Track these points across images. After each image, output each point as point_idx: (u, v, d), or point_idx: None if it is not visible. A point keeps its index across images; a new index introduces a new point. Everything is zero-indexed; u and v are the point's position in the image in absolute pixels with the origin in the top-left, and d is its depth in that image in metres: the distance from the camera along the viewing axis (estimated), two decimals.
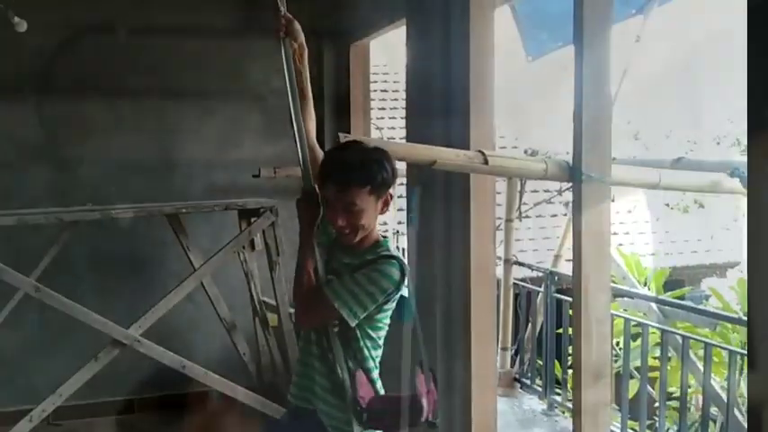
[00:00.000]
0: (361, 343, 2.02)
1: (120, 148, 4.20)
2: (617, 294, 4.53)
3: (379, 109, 5.89)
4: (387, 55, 4.89)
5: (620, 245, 6.63)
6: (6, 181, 4.03)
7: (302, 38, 2.14)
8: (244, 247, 3.81)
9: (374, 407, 1.95)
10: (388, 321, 2.08)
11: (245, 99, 4.41)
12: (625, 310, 4.38)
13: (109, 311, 3.52)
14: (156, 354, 3.49)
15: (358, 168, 1.95)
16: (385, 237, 2.13)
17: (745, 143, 1.37)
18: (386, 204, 2.02)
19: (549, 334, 4.12)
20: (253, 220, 3.75)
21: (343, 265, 2.05)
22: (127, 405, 4.28)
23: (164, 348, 3.51)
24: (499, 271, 4.02)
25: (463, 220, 2.89)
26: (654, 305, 4.31)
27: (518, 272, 4.49)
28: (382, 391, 2.08)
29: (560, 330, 4.08)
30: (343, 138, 1.95)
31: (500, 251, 4.22)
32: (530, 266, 4.30)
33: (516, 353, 4.52)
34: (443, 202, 3.00)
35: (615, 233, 6.84)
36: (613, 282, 4.60)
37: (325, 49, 4.52)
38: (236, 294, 4.08)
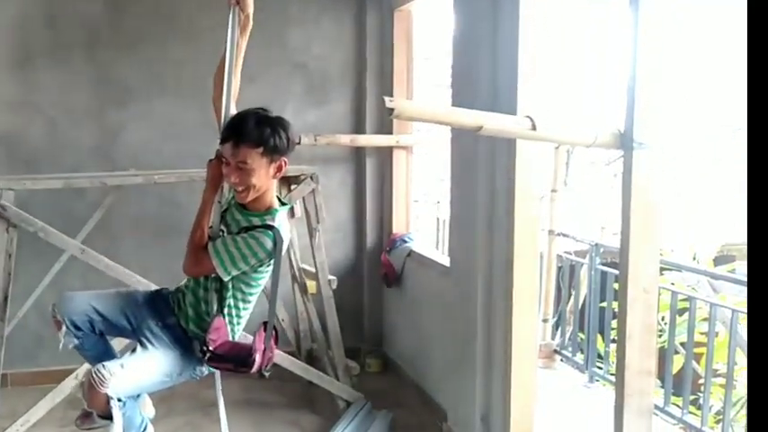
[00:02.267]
0: (230, 293, 2.27)
1: (163, 114, 4.22)
2: (665, 267, 4.42)
3: (424, 76, 5.81)
4: (431, 19, 4.79)
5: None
6: (54, 144, 4.09)
7: (250, 10, 2.32)
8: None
9: (218, 350, 2.22)
10: (262, 282, 2.33)
11: (287, 65, 4.37)
12: (672, 284, 4.26)
13: (150, 274, 3.57)
14: None
15: (252, 129, 2.15)
16: (284, 203, 2.34)
17: None
18: (279, 170, 2.21)
19: (592, 306, 4.04)
20: (293, 186, 3.74)
21: (234, 220, 2.26)
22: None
23: None
24: (543, 242, 3.95)
25: (507, 189, 2.82)
26: (703, 279, 4.18)
27: (562, 245, 4.40)
28: (235, 336, 2.35)
29: (604, 304, 3.99)
30: (388, 101, 1.93)
31: (545, 223, 4.14)
32: (574, 238, 4.20)
33: (557, 325, 4.45)
34: (488, 168, 2.94)
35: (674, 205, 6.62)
36: (660, 254, 4.49)
37: (369, 14, 4.45)
38: None
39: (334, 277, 3.88)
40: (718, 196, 7.55)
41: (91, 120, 4.13)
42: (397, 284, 4.38)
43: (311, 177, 3.66)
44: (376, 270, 4.56)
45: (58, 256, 3.72)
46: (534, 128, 2.07)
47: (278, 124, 2.20)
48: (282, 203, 2.33)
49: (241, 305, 2.32)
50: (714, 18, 7.52)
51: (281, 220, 2.25)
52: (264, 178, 2.19)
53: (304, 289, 3.98)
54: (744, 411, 3.43)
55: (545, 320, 4.23)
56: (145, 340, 2.31)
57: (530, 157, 2.80)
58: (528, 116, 2.09)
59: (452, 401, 3.43)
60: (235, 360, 2.25)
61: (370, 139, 4.44)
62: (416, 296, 4.24)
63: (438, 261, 3.91)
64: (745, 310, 3.31)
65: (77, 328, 2.40)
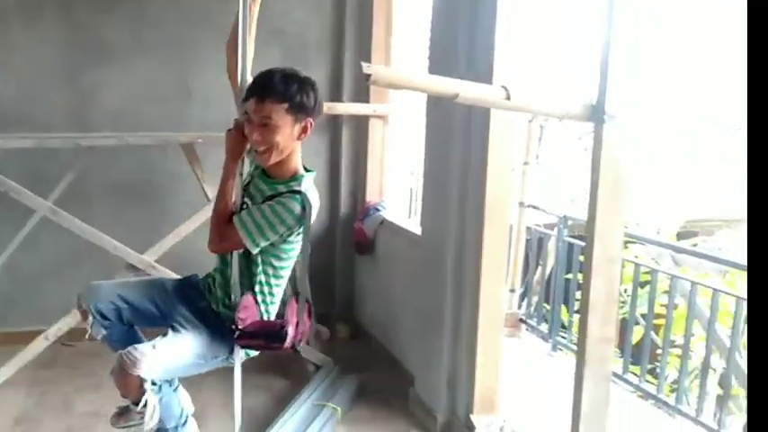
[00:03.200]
0: (261, 269, 2.18)
1: (139, 76, 4.16)
2: (629, 240, 4.54)
3: (402, 42, 5.78)
4: None
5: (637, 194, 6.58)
6: (26, 105, 4.02)
7: None
8: None
9: (248, 329, 2.13)
10: (293, 254, 2.21)
11: (263, 31, 4.31)
12: (636, 256, 4.39)
13: (123, 238, 3.57)
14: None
15: (278, 84, 2.05)
16: (309, 170, 2.23)
17: None
18: (304, 131, 2.11)
19: (557, 277, 4.16)
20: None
21: (258, 191, 2.17)
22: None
23: (177, 276, 3.56)
24: (513, 214, 4.03)
25: (481, 158, 2.88)
26: (666, 252, 4.31)
27: (532, 217, 4.50)
28: (269, 316, 2.25)
29: (569, 276, 4.11)
30: (365, 67, 1.95)
31: (516, 195, 4.22)
32: (544, 210, 4.30)
33: (523, 295, 4.57)
34: (462, 138, 2.99)
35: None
36: (625, 227, 4.61)
37: None
38: None
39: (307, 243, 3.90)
40: (684, 172, 7.74)
41: (65, 80, 4.06)
42: (369, 252, 4.44)
43: None
44: (348, 238, 4.60)
45: (30, 217, 3.69)
46: (509, 98, 2.11)
47: (305, 82, 2.10)
48: (309, 169, 2.23)
49: (273, 281, 2.22)
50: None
51: (308, 185, 2.15)
52: (288, 138, 2.08)
53: None
54: (697, 381, 3.58)
55: (512, 290, 4.34)
56: (176, 324, 2.22)
57: (503, 129, 2.86)
58: (503, 86, 2.14)
59: (420, 367, 3.52)
60: (266, 336, 2.15)
61: (347, 108, 4.45)
62: (388, 264, 4.30)
63: (410, 230, 3.97)
64: (704, 284, 3.45)
65: (104, 317, 2.31)
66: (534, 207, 4.29)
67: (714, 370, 4.71)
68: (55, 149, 3.66)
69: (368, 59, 4.31)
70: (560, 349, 4.10)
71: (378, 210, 4.39)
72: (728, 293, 3.28)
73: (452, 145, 3.03)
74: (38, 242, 4.02)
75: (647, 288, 3.72)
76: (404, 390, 3.58)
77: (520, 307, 4.47)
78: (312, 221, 2.12)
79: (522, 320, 4.40)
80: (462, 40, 2.88)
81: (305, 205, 2.07)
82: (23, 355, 3.40)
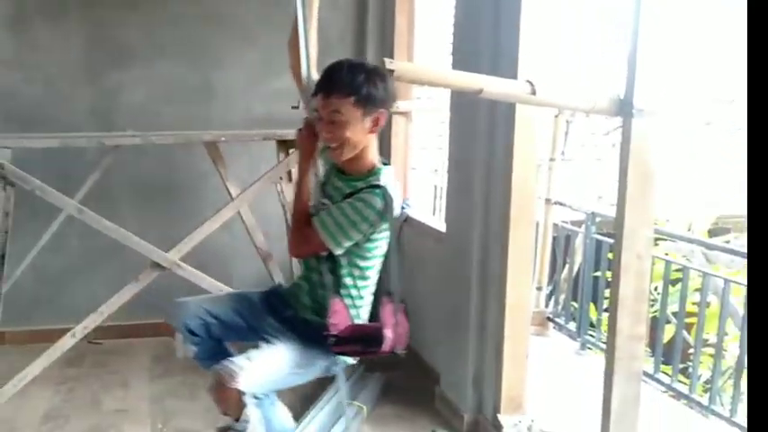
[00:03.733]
0: (346, 270, 2.10)
1: (161, 76, 4.18)
2: (660, 237, 4.44)
3: (424, 37, 5.75)
4: None
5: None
6: (51, 105, 4.06)
7: None
8: (281, 178, 3.81)
9: (342, 335, 2.04)
10: (378, 252, 2.12)
11: (287, 27, 4.30)
12: (666, 254, 4.30)
13: (148, 236, 3.59)
14: (194, 278, 3.56)
15: (344, 77, 1.98)
16: (386, 163, 2.15)
17: None
18: (376, 124, 2.03)
19: (585, 275, 4.08)
20: (291, 151, 3.73)
21: (336, 189, 2.11)
22: (165, 327, 4.36)
23: (202, 273, 3.57)
24: (539, 211, 3.97)
25: (505, 154, 2.83)
26: (697, 249, 4.22)
27: (559, 215, 4.43)
28: (360, 320, 2.17)
29: (598, 273, 4.03)
30: (388, 63, 1.92)
31: (542, 191, 4.16)
32: (570, 207, 4.22)
33: (551, 294, 4.50)
34: (487, 134, 2.94)
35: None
36: (656, 224, 4.52)
37: None
38: (272, 225, 4.10)
39: None
40: (716, 168, 7.59)
41: (89, 80, 4.10)
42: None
43: None
44: None
45: (56, 216, 3.72)
46: (534, 92, 2.07)
47: (373, 73, 2.00)
48: (386, 163, 2.15)
49: (360, 283, 2.14)
50: None
51: (387, 179, 2.07)
52: (360, 132, 2.01)
53: None
54: (731, 381, 3.48)
55: (539, 288, 4.27)
56: (267, 336, 2.16)
57: (529, 125, 2.81)
58: (528, 80, 2.09)
59: (446, 365, 3.48)
60: (363, 340, 2.07)
61: None
62: (412, 261, 4.25)
63: (434, 227, 3.92)
64: (737, 281, 3.36)
65: (193, 333, 2.24)
66: (561, 204, 4.22)
67: None
68: (80, 149, 3.68)
69: (390, 56, 4.27)
70: (589, 348, 4.03)
71: (402, 208, 4.35)
72: None
73: (477, 141, 2.98)
74: (64, 241, 4.06)
75: (679, 286, 3.63)
76: (429, 388, 3.54)
77: (547, 305, 4.40)
78: (395, 215, 2.04)
79: (549, 319, 4.33)
80: (486, 34, 2.83)
81: (386, 199, 1.99)
82: (51, 353, 3.42)
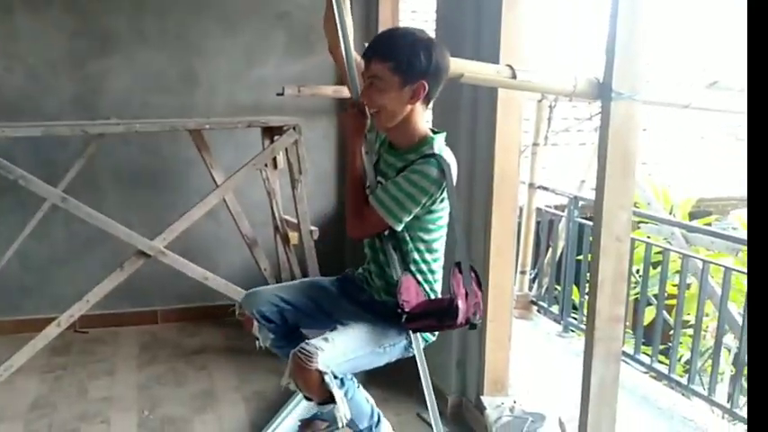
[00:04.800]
0: (411, 246, 2.07)
1: (145, 65, 4.16)
2: (641, 220, 4.50)
3: (410, 23, 5.80)
4: None
5: (650, 174, 6.54)
6: (33, 94, 4.03)
7: None
8: (266, 165, 3.82)
9: (415, 311, 2.01)
10: (442, 223, 2.10)
11: (270, 15, 4.31)
12: (648, 237, 4.36)
13: (133, 225, 3.60)
14: (179, 265, 3.57)
15: (385, 43, 1.98)
16: (436, 131, 2.11)
17: None
18: (416, 94, 1.97)
19: (569, 258, 4.13)
20: (276, 138, 3.74)
21: (389, 165, 2.08)
22: (150, 316, 4.40)
23: (187, 261, 3.59)
24: (523, 196, 4.00)
25: (488, 139, 2.85)
26: (677, 231, 4.27)
27: (542, 199, 4.47)
28: (435, 294, 2.14)
29: (581, 257, 4.08)
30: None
31: (525, 176, 4.20)
32: (554, 191, 4.26)
33: (535, 277, 4.55)
34: (469, 119, 2.96)
35: (645, 163, 6.73)
36: (638, 207, 4.57)
37: None
38: (257, 211, 4.12)
39: (316, 228, 3.91)
40: (697, 150, 7.67)
41: (72, 69, 4.07)
42: None
43: (294, 128, 3.66)
44: None
45: (40, 206, 3.71)
46: (514, 76, 2.10)
47: (418, 42, 1.95)
48: (435, 132, 2.11)
49: (428, 257, 2.11)
50: None
51: (440, 146, 2.03)
52: (396, 100, 1.97)
53: (286, 239, 4.01)
54: (710, 361, 3.55)
55: (523, 272, 4.32)
56: (343, 319, 2.15)
57: (511, 110, 2.83)
58: (508, 65, 2.12)
59: (429, 348, 3.50)
60: (436, 314, 2.03)
61: None
62: None
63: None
64: (717, 263, 3.42)
65: (269, 320, 2.24)
66: (544, 188, 4.26)
67: (729, 351, 4.69)
68: (64, 138, 3.67)
69: None
70: (572, 330, 4.09)
71: None
72: (741, 272, 3.25)
73: (459, 125, 3.00)
74: (49, 230, 4.05)
75: (660, 269, 3.69)
76: (413, 371, 3.57)
77: (531, 289, 4.45)
78: (454, 183, 2.00)
79: (533, 302, 4.38)
80: (469, 19, 2.85)
81: (442, 167, 1.95)
82: (36, 342, 3.43)
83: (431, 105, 2.14)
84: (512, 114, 2.83)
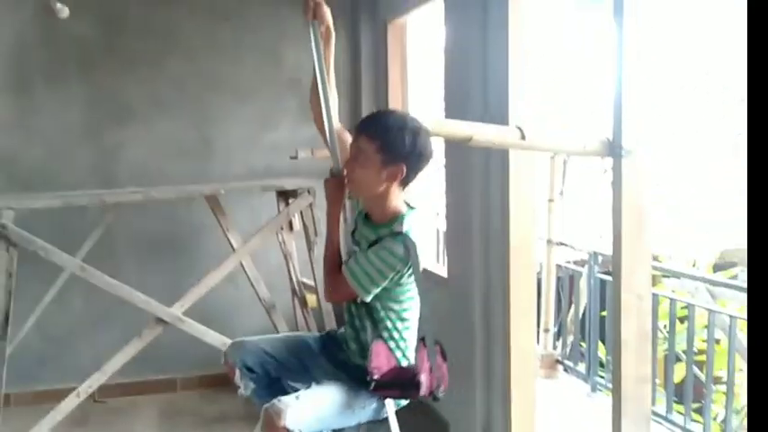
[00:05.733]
0: (383, 314, 2.14)
1: (161, 132, 4.25)
2: (663, 274, 4.41)
3: (417, 86, 5.85)
4: (424, 31, 4.82)
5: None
6: (52, 164, 4.12)
7: (330, 21, 2.15)
8: (282, 228, 3.83)
9: (384, 378, 2.09)
10: (412, 294, 2.15)
11: (282, 82, 4.40)
12: (672, 291, 4.26)
13: (151, 292, 3.59)
14: (197, 332, 3.54)
15: (376, 122, 2.08)
16: (412, 207, 2.18)
17: None
18: (393, 177, 2.06)
19: (592, 315, 4.04)
20: (291, 200, 3.76)
21: (363, 237, 2.17)
22: (169, 384, 4.36)
23: (205, 327, 3.56)
24: (541, 252, 3.95)
25: (501, 199, 2.83)
26: (702, 285, 4.17)
27: (561, 254, 4.41)
28: (408, 361, 2.19)
29: (605, 313, 3.99)
30: None
31: (543, 232, 4.15)
32: (572, 247, 4.21)
33: (558, 335, 4.45)
34: (482, 179, 2.95)
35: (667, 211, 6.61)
36: (658, 261, 4.49)
37: (362, 27, 4.48)
38: (275, 275, 4.11)
39: None
40: (717, 202, 7.56)
41: (90, 139, 4.16)
42: None
43: (308, 191, 3.68)
44: None
45: (59, 275, 3.74)
46: (523, 137, 2.09)
47: (407, 127, 2.03)
48: (412, 207, 2.18)
49: (399, 325, 2.16)
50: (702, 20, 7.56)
51: (410, 224, 2.09)
52: (374, 178, 2.05)
53: (303, 303, 3.98)
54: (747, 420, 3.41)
55: (546, 330, 4.23)
56: (319, 377, 2.24)
57: (524, 166, 2.81)
58: (517, 126, 2.11)
59: (454, 413, 3.42)
60: (400, 385, 2.12)
61: None
62: None
63: (436, 272, 3.91)
64: (744, 317, 3.31)
65: (251, 370, 2.32)
66: (563, 244, 4.20)
67: None
68: (82, 207, 3.72)
69: (385, 104, 4.34)
70: (600, 390, 3.96)
71: None
72: None
73: (472, 184, 2.99)
74: (68, 299, 4.07)
75: (687, 324, 3.58)
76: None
77: (555, 347, 4.35)
78: (421, 259, 2.06)
79: (558, 361, 4.27)
80: (476, 81, 2.87)
81: (407, 245, 2.02)
82: (55, 414, 3.39)
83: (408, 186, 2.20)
84: (524, 172, 2.81)
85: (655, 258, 2.44)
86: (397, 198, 2.14)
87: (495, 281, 2.99)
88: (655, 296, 3.19)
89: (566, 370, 4.26)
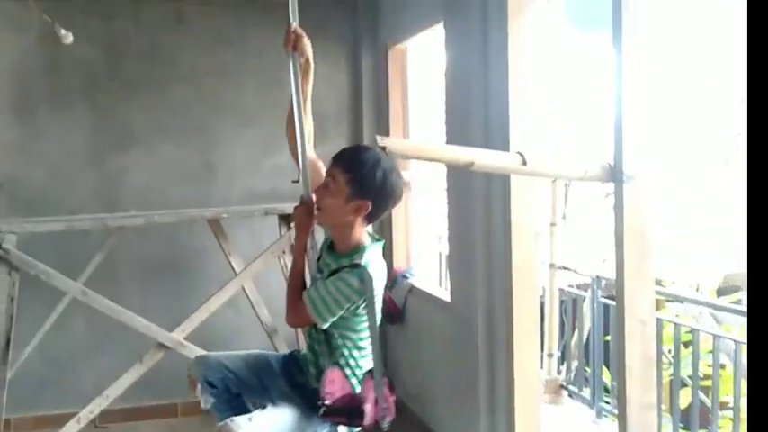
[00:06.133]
0: (340, 342, 2.18)
1: (164, 156, 4.26)
2: (667, 299, 4.39)
3: (420, 112, 5.87)
4: (425, 56, 4.86)
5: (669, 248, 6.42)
6: (55, 189, 4.13)
7: (309, 53, 2.23)
8: (284, 252, 3.82)
9: (334, 405, 2.12)
10: (376, 322, 2.17)
11: (284, 106, 4.40)
12: (677, 315, 4.23)
13: (153, 316, 3.59)
14: None
15: (352, 155, 2.14)
16: (378, 239, 2.24)
17: None
18: (356, 211, 2.10)
19: (596, 339, 4.00)
20: (292, 225, 3.75)
21: (326, 265, 2.21)
22: (171, 409, 4.33)
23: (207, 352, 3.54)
24: (544, 276, 3.93)
25: (503, 223, 2.83)
26: (706, 310, 4.15)
27: (564, 278, 4.38)
28: (359, 389, 2.22)
29: (608, 337, 3.96)
30: (380, 140, 1.98)
31: (545, 256, 4.13)
32: (575, 271, 4.18)
33: (562, 360, 4.40)
34: (483, 204, 2.95)
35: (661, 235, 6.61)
36: (662, 286, 4.46)
37: (363, 53, 4.51)
38: (276, 299, 4.06)
39: None
40: (720, 226, 7.54)
41: (93, 163, 4.18)
42: (399, 321, 4.36)
43: None
44: None
45: (61, 299, 3.73)
46: (525, 163, 2.09)
47: (379, 164, 2.09)
48: (377, 240, 2.23)
49: (356, 353, 2.21)
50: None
51: (370, 257, 2.13)
52: (340, 209, 2.10)
53: None
54: None
55: (550, 355, 4.19)
56: (276, 398, 2.29)
57: (525, 191, 2.82)
58: (518, 152, 2.11)
59: None
60: (346, 413, 2.15)
61: None
62: (419, 332, 4.21)
63: (439, 296, 3.89)
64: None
65: (212, 385, 2.37)
66: (565, 268, 4.18)
67: None
68: (84, 230, 3.72)
69: (386, 129, 4.35)
70: (605, 415, 3.91)
71: (405, 277, 4.33)
72: None
73: (474, 209, 2.99)
74: (69, 323, 4.05)
75: (692, 349, 3.55)
76: None
77: (559, 372, 4.31)
78: (377, 292, 2.10)
79: (563, 386, 4.22)
80: (477, 105, 2.88)
81: (364, 278, 2.06)
82: None
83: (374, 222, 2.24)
84: (525, 197, 2.81)
85: (658, 282, 2.43)
86: (361, 230, 2.19)
87: (497, 305, 2.97)
88: (659, 321, 3.16)
89: (570, 395, 4.21)
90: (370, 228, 2.23)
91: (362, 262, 2.09)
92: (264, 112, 4.36)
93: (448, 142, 3.16)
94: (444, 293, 3.86)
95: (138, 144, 4.22)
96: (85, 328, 4.19)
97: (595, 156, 2.16)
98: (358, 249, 2.15)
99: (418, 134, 4.42)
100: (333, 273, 2.13)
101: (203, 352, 3.50)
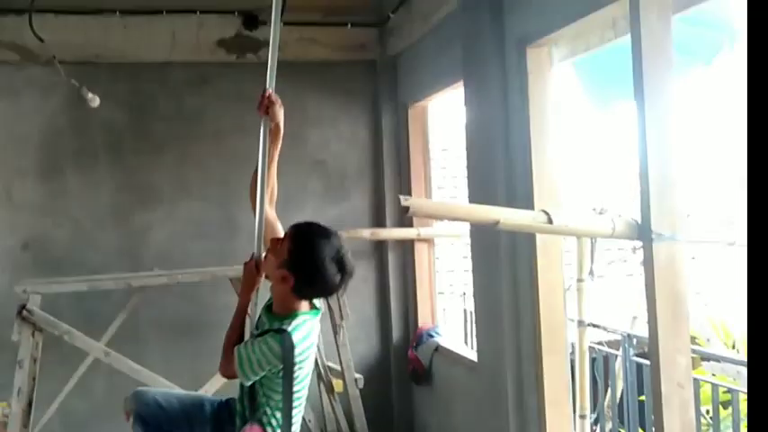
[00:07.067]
0: (263, 400, 2.23)
1: (186, 215, 4.29)
2: (703, 358, 4.23)
3: (441, 168, 5.88)
4: (447, 112, 4.89)
5: (706, 305, 6.24)
6: (80, 248, 4.16)
7: (280, 118, 2.29)
8: None
9: None
10: (297, 389, 2.21)
11: (306, 163, 4.46)
12: (713, 375, 4.07)
13: (175, 375, 3.54)
14: None
15: (305, 228, 2.20)
16: (317, 309, 2.26)
17: None
18: (281, 280, 2.14)
19: (630, 400, 3.85)
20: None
21: (262, 323, 2.26)
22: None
23: None
24: (573, 334, 3.82)
25: (530, 281, 2.77)
26: (744, 369, 3.97)
27: (593, 335, 4.25)
28: None
29: (643, 397, 3.81)
30: (403, 200, 1.97)
31: (573, 313, 4.03)
32: (605, 328, 4.06)
33: (596, 421, 4.24)
34: (509, 262, 2.90)
35: (698, 292, 6.45)
36: (698, 344, 4.31)
37: (384, 111, 4.55)
38: None
39: (360, 375, 3.79)
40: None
41: (117, 222, 4.22)
42: (425, 381, 4.26)
43: None
44: (403, 366, 4.44)
45: (83, 358, 3.70)
46: (551, 221, 2.05)
47: (323, 249, 2.14)
48: (315, 309, 2.25)
49: (278, 414, 2.23)
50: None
51: (297, 324, 2.16)
52: (272, 271, 2.18)
53: (330, 388, 3.88)
54: None
55: (582, 416, 4.03)
56: None
57: (551, 247, 2.77)
58: (543, 210, 2.07)
59: None
60: None
61: (390, 233, 4.44)
62: (446, 393, 4.10)
63: (466, 356, 3.80)
64: None
65: (145, 422, 2.40)
66: (594, 325, 4.06)
67: None
68: (107, 290, 3.72)
69: (407, 185, 4.35)
70: None
71: (431, 335, 4.25)
72: None
73: (500, 266, 2.94)
74: (91, 383, 4.02)
75: (730, 408, 3.39)
76: None
77: None
78: (300, 360, 2.13)
79: None
80: (499, 164, 2.86)
81: (285, 344, 2.09)
82: None
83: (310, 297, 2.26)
84: (552, 253, 2.77)
85: (692, 341, 2.33)
86: (293, 299, 2.21)
87: (526, 364, 2.90)
88: (695, 381, 3.04)
89: None
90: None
91: (289, 328, 2.12)
92: (287, 168, 4.32)
93: (471, 198, 3.13)
94: (471, 353, 3.78)
95: (162, 202, 4.26)
96: (107, 388, 4.14)
97: (623, 213, 2.10)
98: (290, 315, 2.18)
99: (440, 190, 4.40)
100: (263, 333, 2.17)
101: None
